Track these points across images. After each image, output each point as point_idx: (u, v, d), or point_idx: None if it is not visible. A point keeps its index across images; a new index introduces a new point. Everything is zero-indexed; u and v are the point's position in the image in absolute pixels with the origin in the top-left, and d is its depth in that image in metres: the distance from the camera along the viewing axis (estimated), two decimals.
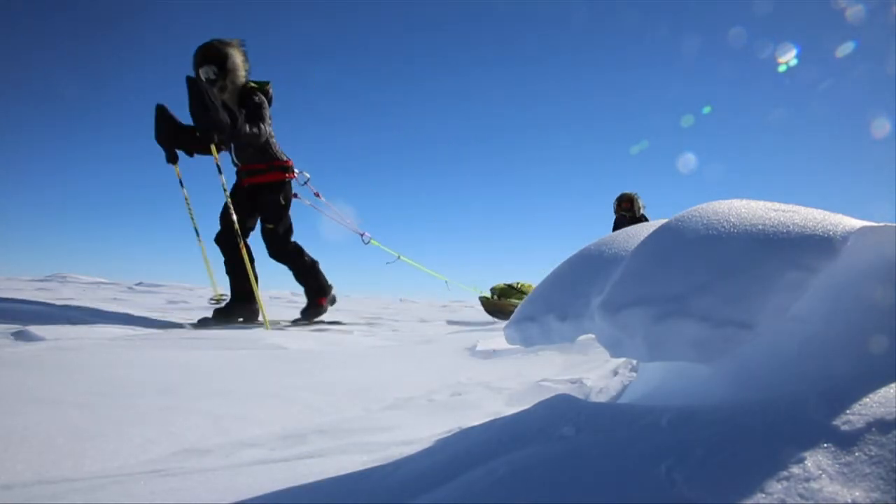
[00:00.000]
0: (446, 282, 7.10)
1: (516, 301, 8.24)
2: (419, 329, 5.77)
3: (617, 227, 8.75)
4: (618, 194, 9.11)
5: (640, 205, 8.74)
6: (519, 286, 8.72)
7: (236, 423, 1.68)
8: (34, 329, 3.07)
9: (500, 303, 8.38)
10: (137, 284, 11.05)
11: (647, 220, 8.91)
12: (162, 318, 4.81)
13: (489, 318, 8.64)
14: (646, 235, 1.13)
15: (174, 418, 1.63)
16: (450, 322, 7.45)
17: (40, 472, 1.25)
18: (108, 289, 9.49)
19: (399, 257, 6.12)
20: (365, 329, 5.05)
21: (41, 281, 10.31)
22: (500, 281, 8.95)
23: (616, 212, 8.98)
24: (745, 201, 1.11)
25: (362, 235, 5.73)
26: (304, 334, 3.95)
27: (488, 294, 8.53)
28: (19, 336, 3.00)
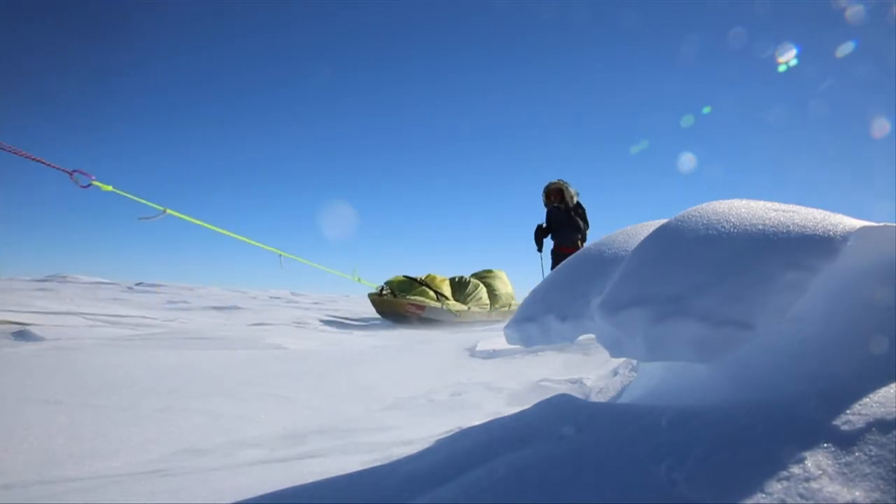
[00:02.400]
0: (280, 255, 5.15)
1: (416, 298, 6.64)
2: (419, 329, 5.77)
3: (550, 220, 7.73)
4: (546, 184, 7.73)
5: (572, 193, 7.54)
6: (424, 279, 7.03)
7: (236, 423, 1.68)
8: (34, 329, 3.07)
9: (392, 301, 6.61)
10: (137, 284, 11.06)
11: (582, 209, 7.49)
12: (162, 318, 4.82)
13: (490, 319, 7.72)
14: (645, 236, 1.14)
15: (174, 418, 1.63)
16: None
17: (40, 472, 1.25)
18: (108, 289, 9.50)
19: (165, 211, 4.58)
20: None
21: (41, 281, 10.31)
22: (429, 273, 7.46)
23: (546, 205, 7.75)
24: (745, 201, 1.11)
25: (72, 174, 4.68)
26: (304, 334, 3.95)
27: (383, 289, 6.79)
28: (19, 336, 3.00)
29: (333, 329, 4.81)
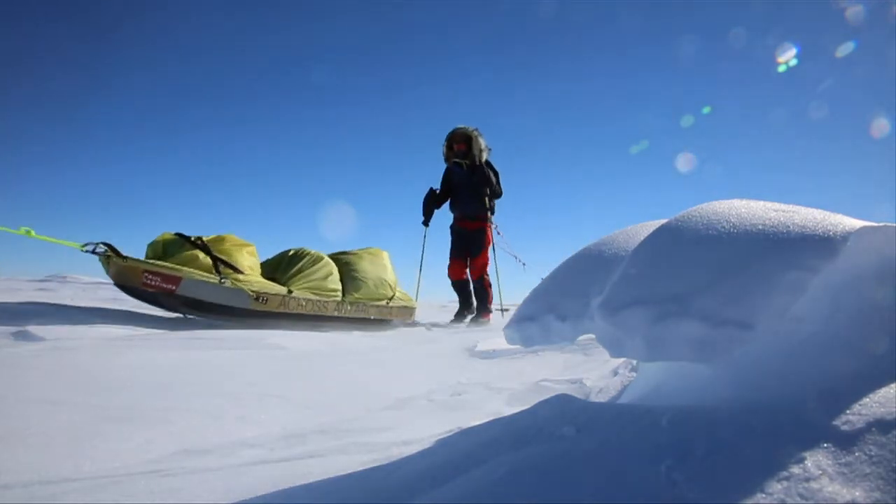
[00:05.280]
0: None
1: (161, 265, 4.05)
2: (418, 329, 5.77)
3: (448, 182, 5.86)
4: (449, 131, 5.80)
5: (482, 146, 5.65)
6: (203, 240, 4.38)
7: (236, 423, 1.68)
8: (34, 329, 3.07)
9: (121, 265, 3.98)
10: None
11: (494, 171, 5.78)
12: (164, 317, 4.81)
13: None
14: (645, 236, 1.14)
15: (174, 418, 1.63)
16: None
17: (40, 472, 1.25)
18: (108, 289, 9.50)
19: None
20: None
21: (41, 281, 10.32)
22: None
23: (447, 159, 5.83)
24: (745, 201, 1.11)
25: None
26: (304, 334, 3.95)
27: (97, 247, 4.06)
28: (19, 336, 3.00)
29: (333, 329, 4.81)
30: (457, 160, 5.74)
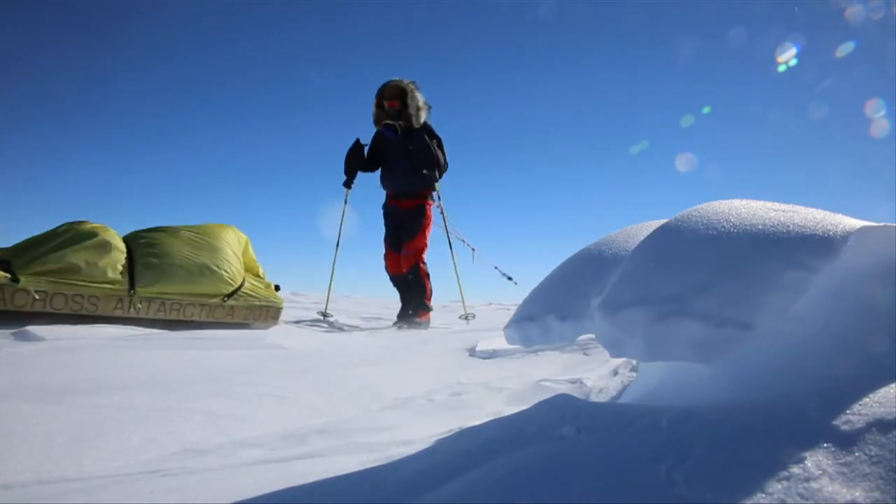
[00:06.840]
0: None
1: None
2: (419, 329, 5.77)
3: (377, 150, 4.66)
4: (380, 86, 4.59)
5: (419, 103, 4.47)
6: None
7: (236, 423, 1.68)
8: (34, 329, 3.07)
9: None
10: None
11: (437, 138, 4.57)
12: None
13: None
14: (645, 236, 1.14)
15: (174, 418, 1.63)
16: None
17: (40, 472, 1.25)
18: None
19: None
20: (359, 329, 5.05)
21: None
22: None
23: (377, 121, 4.60)
24: (745, 201, 1.11)
25: None
26: (305, 334, 3.95)
27: None
28: (19, 336, 3.00)
29: (333, 329, 4.81)
30: (389, 122, 4.49)
